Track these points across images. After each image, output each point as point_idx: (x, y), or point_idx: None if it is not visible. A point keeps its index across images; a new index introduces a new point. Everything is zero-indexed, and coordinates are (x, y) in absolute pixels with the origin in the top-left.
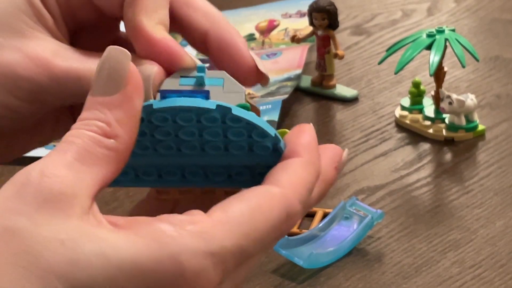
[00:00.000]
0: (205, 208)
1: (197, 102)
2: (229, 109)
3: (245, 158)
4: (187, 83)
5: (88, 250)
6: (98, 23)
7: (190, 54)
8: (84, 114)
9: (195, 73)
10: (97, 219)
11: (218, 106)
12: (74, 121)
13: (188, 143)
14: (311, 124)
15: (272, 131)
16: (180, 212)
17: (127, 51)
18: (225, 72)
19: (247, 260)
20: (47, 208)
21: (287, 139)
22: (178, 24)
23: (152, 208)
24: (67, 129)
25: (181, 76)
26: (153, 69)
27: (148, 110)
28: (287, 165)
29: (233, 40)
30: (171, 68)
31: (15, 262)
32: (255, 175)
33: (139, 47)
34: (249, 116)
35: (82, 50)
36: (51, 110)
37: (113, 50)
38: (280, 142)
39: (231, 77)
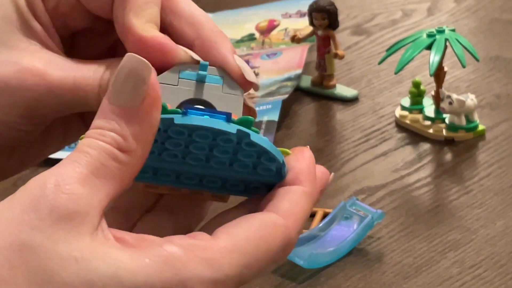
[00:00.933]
0: (190, 206)
1: (219, 124)
2: (248, 135)
3: (246, 175)
4: (187, 78)
5: (102, 271)
6: (93, 26)
7: (185, 49)
8: (99, 121)
9: (196, 69)
10: (105, 236)
11: (238, 130)
12: (85, 125)
13: (195, 155)
14: (308, 147)
15: (280, 157)
16: (165, 206)
17: (148, 62)
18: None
19: (242, 285)
20: (61, 225)
21: (288, 163)
22: (163, 32)
23: (137, 200)
24: (78, 134)
25: (181, 70)
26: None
27: (167, 123)
28: (290, 194)
29: (219, 51)
30: (166, 65)
31: (30, 278)
32: (249, 188)
33: (130, 47)
34: (264, 142)
35: (76, 59)
36: (58, 119)
37: (132, 59)
38: (284, 167)
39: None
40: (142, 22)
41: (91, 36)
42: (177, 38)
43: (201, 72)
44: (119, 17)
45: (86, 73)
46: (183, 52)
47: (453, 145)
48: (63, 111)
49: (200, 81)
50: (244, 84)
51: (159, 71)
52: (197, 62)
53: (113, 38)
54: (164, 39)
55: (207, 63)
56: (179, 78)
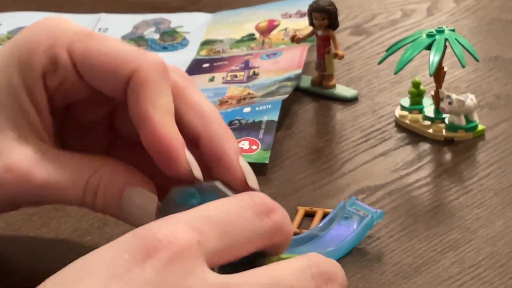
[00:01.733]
0: None
1: None
2: None
3: None
4: (183, 204)
5: None
6: (94, 98)
7: (190, 159)
8: None
9: (191, 193)
10: None
11: None
12: None
13: None
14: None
15: None
16: None
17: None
18: (219, 184)
19: (226, 235)
20: None
21: None
22: None
23: None
24: None
25: (176, 197)
26: (153, 199)
27: None
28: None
29: (225, 151)
30: (165, 163)
31: None
32: None
33: (143, 137)
34: None
35: (62, 153)
36: None
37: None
38: None
39: (227, 190)
40: (160, 114)
41: (90, 104)
42: (185, 128)
43: (191, 202)
44: (133, 104)
45: (71, 176)
46: (186, 165)
47: (453, 145)
48: (45, 203)
49: (197, 204)
50: (245, 189)
51: (158, 163)
52: (196, 179)
53: (112, 105)
54: (176, 141)
55: (195, 190)
56: (176, 205)
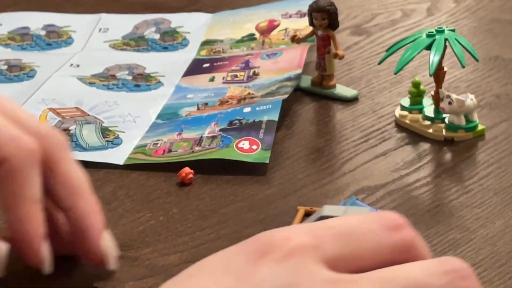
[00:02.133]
0: None
1: None
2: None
3: None
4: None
5: None
6: None
7: (43, 253)
8: None
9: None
10: None
11: None
12: None
13: None
14: None
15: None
16: None
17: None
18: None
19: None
20: None
21: None
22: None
23: None
24: None
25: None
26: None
27: None
28: None
29: (88, 232)
30: (20, 254)
31: None
32: None
33: (8, 224)
34: None
35: None
36: None
37: None
38: None
39: None
40: (27, 205)
41: None
42: (56, 199)
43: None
44: (2, 191)
45: None
46: (38, 260)
47: (453, 145)
48: None
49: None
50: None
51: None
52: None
53: None
54: (34, 239)
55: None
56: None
